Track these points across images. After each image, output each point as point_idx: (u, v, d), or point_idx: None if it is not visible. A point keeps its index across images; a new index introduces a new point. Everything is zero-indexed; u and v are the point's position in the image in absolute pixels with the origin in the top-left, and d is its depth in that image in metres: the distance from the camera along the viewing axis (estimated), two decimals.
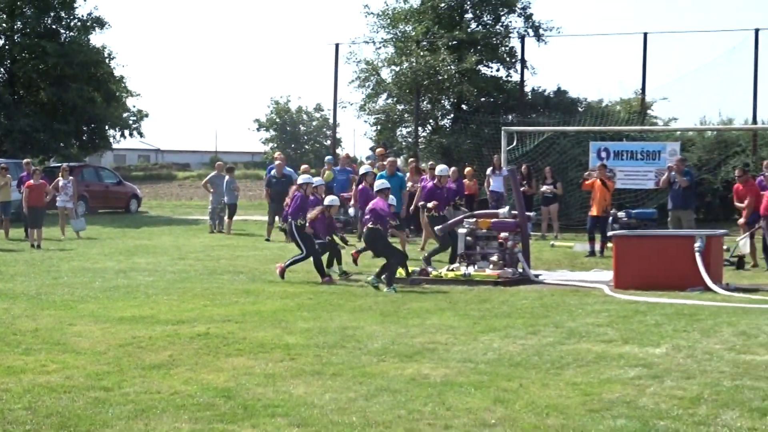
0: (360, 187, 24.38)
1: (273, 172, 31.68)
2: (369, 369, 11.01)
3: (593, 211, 25.44)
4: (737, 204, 24.32)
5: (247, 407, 9.23)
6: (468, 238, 20.79)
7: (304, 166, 35.79)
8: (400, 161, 35.95)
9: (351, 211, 29.05)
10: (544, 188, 31.03)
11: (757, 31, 36.34)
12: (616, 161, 32.29)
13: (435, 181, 22.92)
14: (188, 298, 17.19)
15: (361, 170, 23.67)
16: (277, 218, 28.53)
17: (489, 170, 32.25)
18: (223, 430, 8.46)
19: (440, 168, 22.33)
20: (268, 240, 29.75)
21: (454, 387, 10.07)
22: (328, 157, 37.06)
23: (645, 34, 38.90)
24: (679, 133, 38.19)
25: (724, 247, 20.68)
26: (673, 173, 25.00)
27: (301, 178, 21.42)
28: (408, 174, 29.93)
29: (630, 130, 36.02)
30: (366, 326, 13.93)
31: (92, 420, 8.78)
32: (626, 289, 17.85)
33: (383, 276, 18.69)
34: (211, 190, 34.19)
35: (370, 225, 19.26)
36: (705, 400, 9.44)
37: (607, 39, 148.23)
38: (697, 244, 18.19)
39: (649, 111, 42.64)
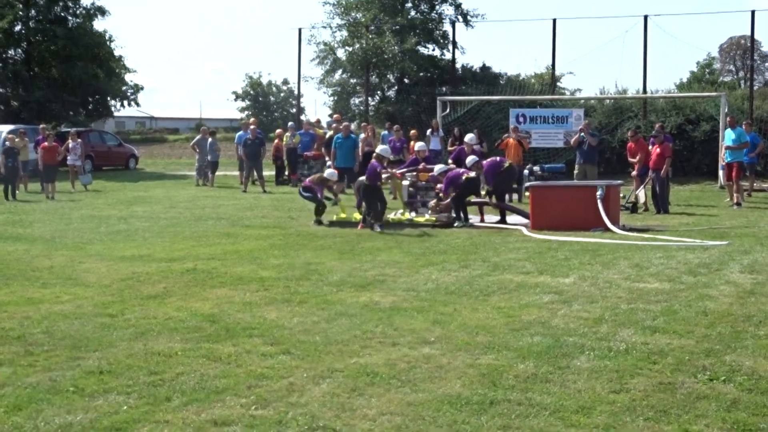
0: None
1: (249, 135, 31.47)
2: (330, 297, 11.00)
3: None
4: (630, 159, 24.56)
5: (229, 329, 9.21)
6: (410, 188, 20.75)
7: (278, 131, 35.67)
8: (353, 125, 35.83)
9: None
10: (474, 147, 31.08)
11: (646, 17, 36.60)
12: (532, 125, 32.47)
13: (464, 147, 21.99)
14: (178, 240, 17.08)
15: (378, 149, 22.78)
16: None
17: (428, 132, 32.26)
18: (209, 348, 8.43)
19: (469, 136, 21.41)
20: (244, 192, 29.61)
21: (400, 311, 10.08)
22: (290, 123, 36.95)
23: (554, 20, 38.90)
24: (582, 101, 38.47)
25: (621, 195, 20.77)
26: (583, 134, 25.11)
27: (380, 149, 20.84)
28: (363, 135, 29.92)
29: (542, 99, 36.22)
30: (327, 262, 13.91)
31: (100, 341, 8.72)
32: (541, 229, 17.90)
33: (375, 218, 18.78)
34: (197, 150, 34.02)
35: (367, 183, 19.17)
36: (606, 321, 9.51)
37: (523, 24, 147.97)
38: (598, 192, 18.27)
39: (558, 83, 42.84)
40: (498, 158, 21.87)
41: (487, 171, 20.80)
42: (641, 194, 23.02)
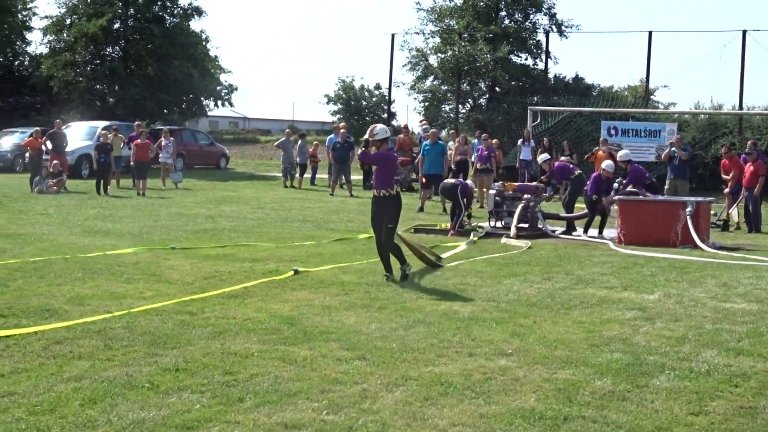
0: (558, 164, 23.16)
1: (338, 138, 31.57)
2: (409, 304, 10.96)
3: None
4: (724, 176, 24.12)
5: (306, 332, 9.22)
6: (497, 198, 20.62)
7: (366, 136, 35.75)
8: (443, 133, 35.84)
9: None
10: (562, 158, 30.82)
11: (744, 32, 36.05)
12: (623, 138, 32.19)
13: (601, 173, 20.51)
14: (263, 240, 17.20)
15: (540, 159, 22.63)
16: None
17: (520, 141, 32.12)
18: (285, 350, 8.45)
19: (606, 163, 20.93)
20: (332, 195, 29.75)
21: (478, 321, 10.00)
22: None
23: (650, 32, 38.58)
24: (676, 115, 38.00)
25: (712, 212, 20.41)
26: (674, 148, 24.74)
27: (621, 154, 20.78)
28: (452, 142, 29.86)
29: (635, 112, 35.86)
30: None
31: (178, 339, 8.80)
32: (628, 244, 17.67)
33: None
34: (280, 150, 34.49)
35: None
36: (689, 340, 9.32)
37: (618, 35, 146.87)
38: (688, 209, 17.98)
39: (651, 96, 42.37)
40: (571, 164, 21.86)
41: (557, 172, 20.77)
42: (734, 213, 22.61)
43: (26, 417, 6.39)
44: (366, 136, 12.83)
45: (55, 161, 28.80)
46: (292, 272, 12.61)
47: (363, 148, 12.96)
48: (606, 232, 19.57)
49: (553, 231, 19.82)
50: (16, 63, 56.63)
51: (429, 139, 25.93)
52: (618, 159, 20.98)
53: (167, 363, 7.89)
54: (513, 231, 18.81)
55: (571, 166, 21.98)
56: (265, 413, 6.61)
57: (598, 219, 20.13)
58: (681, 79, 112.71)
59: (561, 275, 13.66)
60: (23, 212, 21.33)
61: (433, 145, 25.54)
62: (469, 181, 22.30)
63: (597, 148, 27.78)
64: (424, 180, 26.35)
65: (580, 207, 20.90)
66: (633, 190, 19.76)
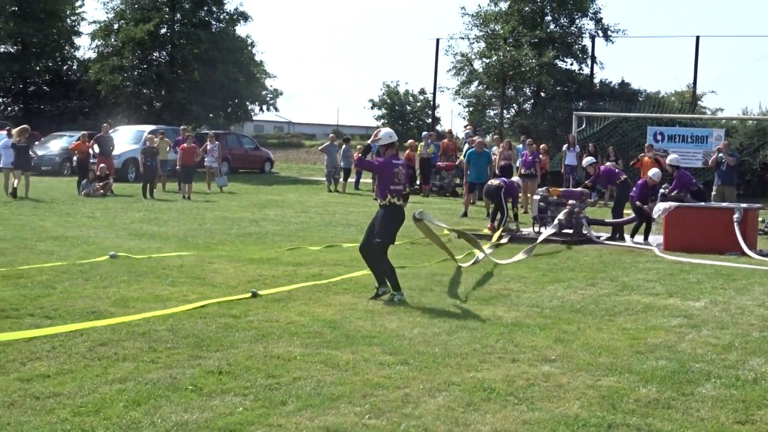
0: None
1: None
2: (452, 309, 10.94)
3: None
4: None
5: (349, 336, 9.22)
6: (541, 203, 20.52)
7: (410, 141, 35.80)
8: (488, 138, 35.75)
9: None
10: (607, 164, 30.65)
11: None
12: (670, 143, 31.94)
13: (647, 180, 20.24)
14: (307, 244, 17.22)
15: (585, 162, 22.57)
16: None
17: (565, 147, 31.99)
18: (328, 354, 8.45)
19: (653, 172, 20.75)
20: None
21: (522, 327, 9.95)
22: (424, 133, 37.05)
23: (697, 37, 38.30)
24: (724, 121, 37.58)
25: (760, 219, 20.19)
26: (721, 154, 24.51)
27: (670, 158, 20.77)
28: (495, 147, 29.76)
29: (682, 117, 35.54)
30: (451, 273, 13.85)
31: (221, 342, 8.83)
32: (674, 251, 17.51)
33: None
34: (324, 154, 34.63)
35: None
36: (735, 348, 9.22)
37: (665, 40, 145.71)
38: (735, 215, 17.80)
39: (699, 102, 41.99)
40: (617, 169, 21.79)
41: (602, 176, 20.69)
42: None
43: (71, 418, 6.44)
44: (369, 141, 12.35)
45: (102, 165, 29.02)
46: (250, 294, 11.52)
47: (361, 154, 12.44)
48: (652, 239, 19.41)
49: (598, 237, 19.68)
50: (65, 68, 57.19)
51: (475, 147, 25.72)
52: (667, 163, 20.80)
53: (210, 366, 7.92)
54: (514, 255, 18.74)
55: (617, 171, 21.86)
56: (307, 417, 6.62)
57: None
58: (729, 85, 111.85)
59: (606, 281, 13.57)
60: (70, 215, 21.52)
61: (480, 154, 25.31)
62: (515, 178, 22.35)
63: (642, 154, 27.59)
64: (466, 187, 26.29)
65: (628, 213, 20.76)
66: (678, 195, 19.60)
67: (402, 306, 11.01)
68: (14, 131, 27.96)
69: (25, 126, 28.42)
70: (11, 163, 26.74)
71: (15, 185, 26.04)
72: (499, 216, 20.21)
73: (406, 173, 11.85)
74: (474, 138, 28.39)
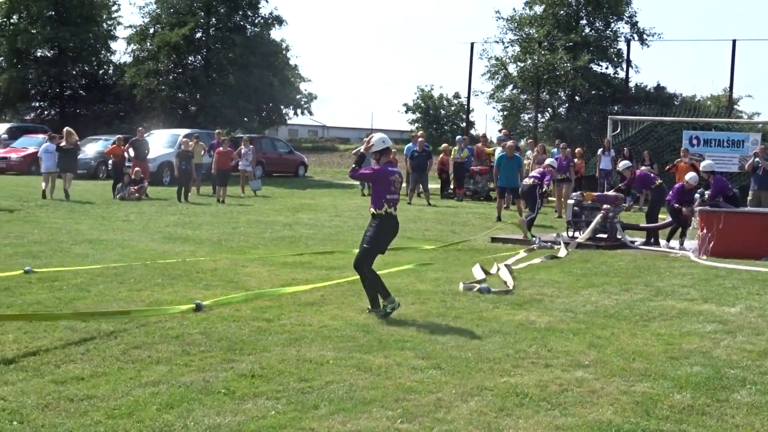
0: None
1: (416, 147, 31.52)
2: (485, 314, 10.90)
3: None
4: None
5: (382, 341, 9.22)
6: (575, 208, 20.41)
7: (444, 145, 35.78)
8: (522, 143, 35.63)
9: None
10: (643, 168, 30.51)
11: None
12: (705, 148, 31.70)
13: (684, 184, 20.15)
14: (340, 248, 17.23)
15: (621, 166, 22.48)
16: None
17: (600, 151, 31.86)
18: (360, 358, 8.45)
19: (690, 176, 20.58)
20: (409, 203, 29.73)
21: (555, 332, 9.92)
22: (458, 137, 37.00)
23: (734, 41, 38.08)
24: (760, 125, 37.25)
25: None
26: (757, 159, 24.33)
27: (704, 165, 20.65)
28: (530, 152, 29.69)
29: (718, 121, 35.37)
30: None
31: (254, 345, 8.85)
32: (712, 256, 17.38)
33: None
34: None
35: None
36: None
37: (701, 44, 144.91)
38: None
39: (735, 106, 41.72)
40: (652, 174, 21.73)
41: (638, 180, 20.66)
42: None
43: (105, 420, 6.48)
44: (362, 148, 11.48)
45: (137, 168, 29.22)
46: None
47: (354, 164, 11.41)
48: (687, 243, 19.28)
49: (632, 242, 19.57)
50: (101, 72, 57.62)
51: (505, 152, 25.59)
52: (701, 170, 20.64)
53: (243, 369, 7.94)
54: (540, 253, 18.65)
55: (652, 175, 21.76)
56: (339, 421, 6.62)
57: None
58: (766, 88, 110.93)
59: (640, 286, 13.49)
60: (105, 218, 21.67)
61: (510, 158, 25.15)
62: (550, 160, 22.47)
63: (679, 159, 27.44)
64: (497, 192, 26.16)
65: (662, 218, 20.64)
66: (714, 201, 19.46)
67: (434, 311, 11.00)
68: (63, 133, 28.69)
69: (70, 130, 28.88)
70: (55, 167, 27.47)
71: (65, 187, 27.20)
72: (529, 214, 20.19)
73: (401, 181, 11.10)
74: (506, 142, 28.26)
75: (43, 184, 27.06)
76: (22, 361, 8.00)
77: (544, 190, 20.56)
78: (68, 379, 7.49)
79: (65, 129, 28.94)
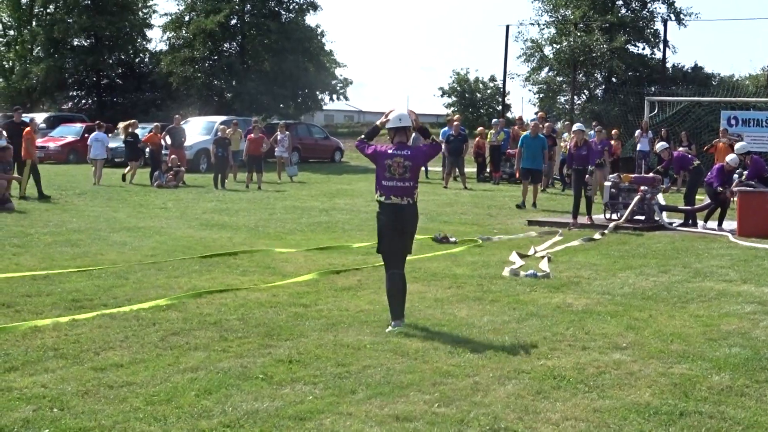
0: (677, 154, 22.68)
1: (452, 131, 31.43)
2: (522, 297, 10.89)
3: None
4: None
5: (418, 325, 9.23)
6: (612, 190, 20.28)
7: (480, 128, 35.70)
8: (558, 125, 35.47)
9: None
10: (680, 149, 30.31)
11: None
12: (744, 128, 31.43)
13: (725, 165, 19.84)
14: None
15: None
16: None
17: (637, 133, 31.67)
18: (397, 342, 8.47)
19: (731, 157, 20.36)
20: (445, 187, 29.69)
21: (593, 315, 9.89)
22: (494, 120, 36.89)
23: None
24: None
25: None
26: None
27: (739, 146, 20.39)
28: (566, 134, 29.54)
29: (757, 101, 35.09)
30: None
31: (292, 330, 8.90)
32: (748, 237, 17.25)
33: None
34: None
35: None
36: None
37: (739, 23, 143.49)
38: None
39: None
40: (690, 155, 21.57)
41: (675, 161, 20.51)
42: None
43: (143, 407, 6.54)
44: (378, 121, 10.31)
45: (173, 156, 29.36)
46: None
47: (363, 137, 10.45)
48: (726, 224, 19.14)
49: (671, 223, 19.45)
50: (137, 60, 57.93)
51: (530, 131, 24.83)
52: (735, 152, 20.42)
53: (281, 354, 7.98)
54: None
55: (690, 156, 21.61)
56: (377, 405, 6.64)
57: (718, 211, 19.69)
58: None
59: (678, 268, 13.42)
60: (143, 206, 21.80)
61: (534, 138, 24.32)
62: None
63: (717, 139, 27.22)
64: (518, 174, 25.61)
65: (700, 199, 20.50)
66: (751, 183, 19.30)
67: (471, 294, 10.99)
68: (120, 127, 31.25)
69: (133, 121, 31.42)
70: (103, 154, 29.45)
71: (130, 174, 29.41)
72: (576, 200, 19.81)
73: (404, 166, 9.67)
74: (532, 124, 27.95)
75: (94, 170, 28.73)
76: (62, 348, 8.09)
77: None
78: (107, 366, 7.57)
79: (120, 125, 31.47)
